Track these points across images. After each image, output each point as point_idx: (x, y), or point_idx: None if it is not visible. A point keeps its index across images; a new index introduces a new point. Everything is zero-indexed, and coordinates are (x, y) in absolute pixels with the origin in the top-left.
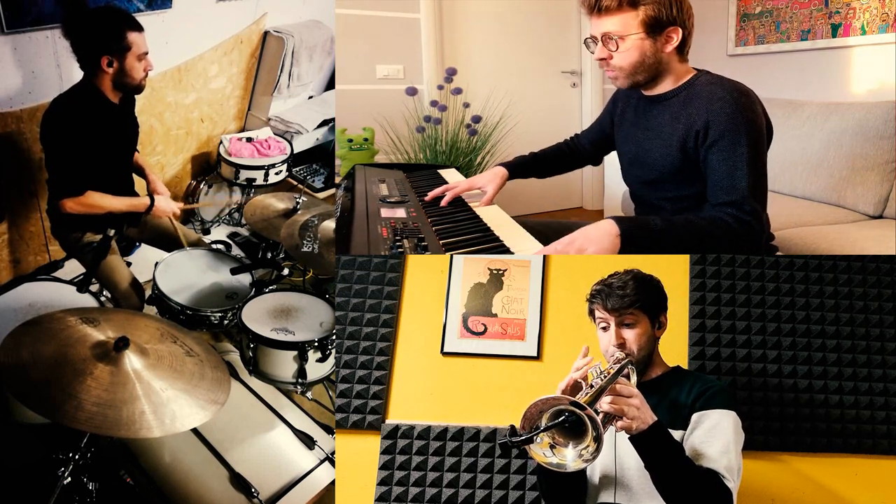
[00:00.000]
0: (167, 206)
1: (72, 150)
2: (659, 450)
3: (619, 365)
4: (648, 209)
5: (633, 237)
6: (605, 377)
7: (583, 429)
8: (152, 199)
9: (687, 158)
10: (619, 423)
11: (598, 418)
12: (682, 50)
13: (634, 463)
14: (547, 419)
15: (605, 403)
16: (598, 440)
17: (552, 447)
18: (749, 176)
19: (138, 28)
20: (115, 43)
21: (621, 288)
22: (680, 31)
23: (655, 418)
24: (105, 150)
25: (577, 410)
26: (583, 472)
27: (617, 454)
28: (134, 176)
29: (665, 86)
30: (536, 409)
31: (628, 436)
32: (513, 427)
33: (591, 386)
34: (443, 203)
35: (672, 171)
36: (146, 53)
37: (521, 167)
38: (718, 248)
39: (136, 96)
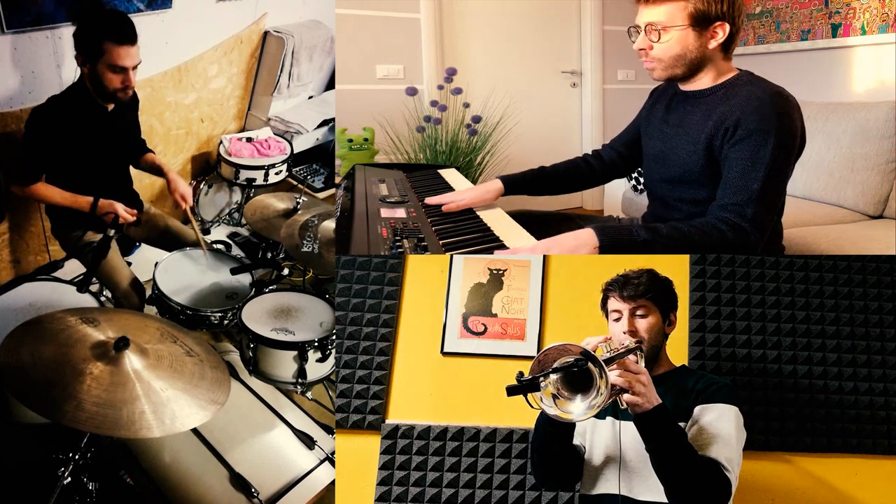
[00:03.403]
0: (122, 210)
1: (44, 143)
2: (661, 432)
3: (627, 348)
4: (664, 209)
5: (612, 250)
6: (614, 352)
7: (588, 384)
8: (96, 200)
9: (711, 158)
10: (626, 397)
11: (607, 369)
12: (727, 47)
13: (638, 455)
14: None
15: (613, 375)
16: (601, 389)
17: (555, 398)
18: (764, 179)
19: (119, 41)
20: (92, 45)
21: (637, 278)
22: (727, 27)
23: (660, 401)
24: (88, 152)
25: (587, 360)
26: (578, 455)
27: (621, 446)
28: (153, 177)
29: (704, 82)
30: (550, 357)
31: (632, 416)
32: (521, 372)
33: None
34: (431, 202)
35: (695, 170)
36: (125, 69)
37: (523, 182)
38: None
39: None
